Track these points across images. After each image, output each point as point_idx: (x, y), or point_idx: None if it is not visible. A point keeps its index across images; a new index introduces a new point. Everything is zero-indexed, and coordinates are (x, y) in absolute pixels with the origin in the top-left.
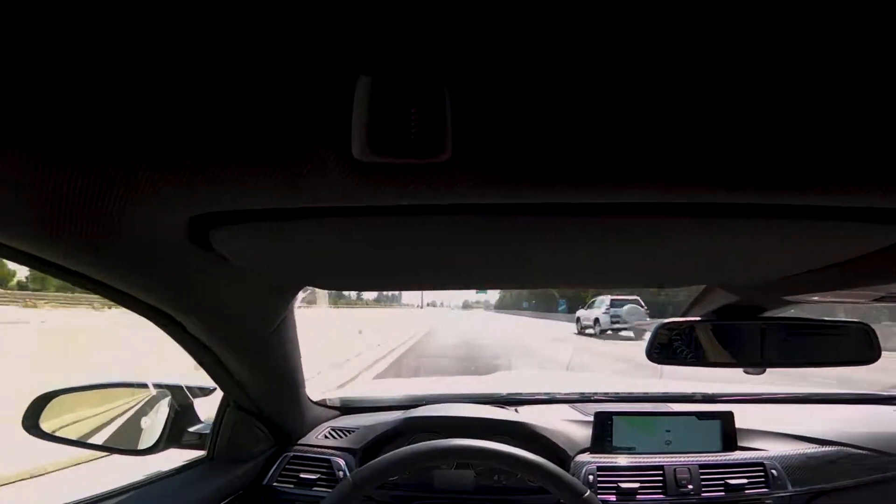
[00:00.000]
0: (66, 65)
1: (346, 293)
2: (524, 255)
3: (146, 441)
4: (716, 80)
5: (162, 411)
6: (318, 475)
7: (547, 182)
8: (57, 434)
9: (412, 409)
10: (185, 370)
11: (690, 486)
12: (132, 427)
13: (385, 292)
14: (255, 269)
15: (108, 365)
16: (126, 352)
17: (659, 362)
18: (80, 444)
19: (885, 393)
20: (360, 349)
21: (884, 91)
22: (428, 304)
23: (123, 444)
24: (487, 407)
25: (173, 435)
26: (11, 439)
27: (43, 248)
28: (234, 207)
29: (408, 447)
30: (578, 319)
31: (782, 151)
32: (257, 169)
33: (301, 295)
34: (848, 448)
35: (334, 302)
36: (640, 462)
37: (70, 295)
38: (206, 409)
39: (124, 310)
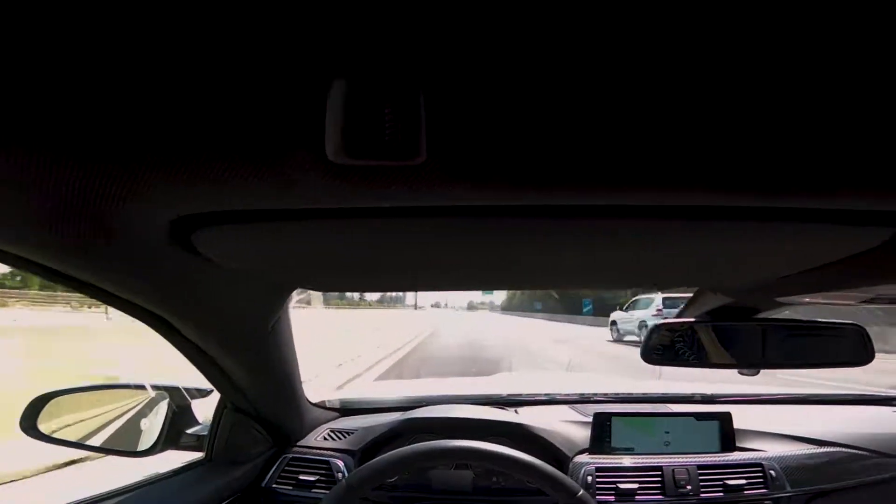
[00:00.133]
0: (42, 64)
1: (347, 294)
2: (511, 257)
3: (144, 443)
4: (705, 83)
5: (160, 413)
6: (317, 477)
7: (526, 185)
8: (55, 435)
9: (411, 411)
10: (155, 374)
11: (689, 487)
12: (130, 428)
13: (388, 293)
14: (240, 269)
15: (73, 368)
16: (96, 354)
17: (655, 363)
18: (77, 445)
19: (883, 394)
20: (359, 351)
21: (873, 95)
22: (432, 305)
23: (121, 445)
24: (487, 408)
25: (171, 436)
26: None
27: (27, 250)
28: (212, 209)
29: (403, 448)
30: (614, 323)
31: (773, 155)
32: (232, 170)
33: (296, 296)
34: (846, 449)
35: (336, 303)
36: (638, 463)
37: (48, 294)
38: (205, 410)
39: (101, 310)
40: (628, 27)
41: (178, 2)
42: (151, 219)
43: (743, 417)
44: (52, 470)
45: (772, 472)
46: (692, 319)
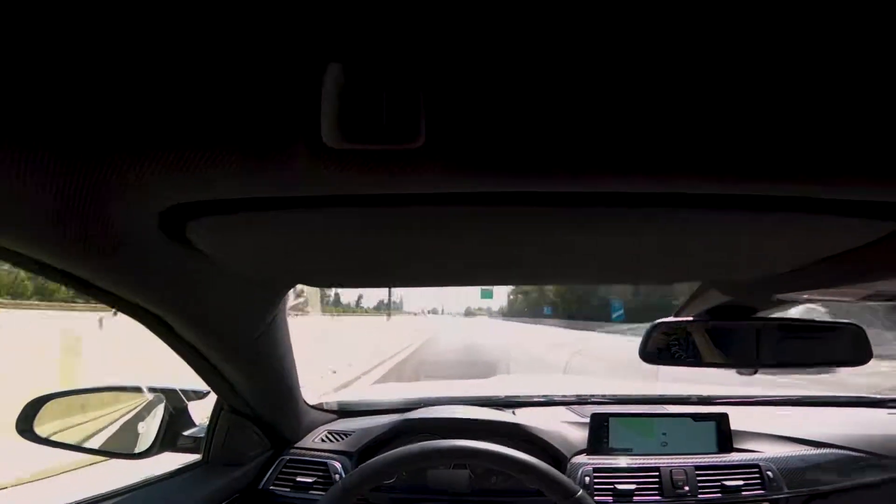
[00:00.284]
0: (19, 55)
1: (343, 300)
2: (511, 248)
3: (141, 445)
4: (706, 69)
5: (156, 415)
6: (315, 478)
7: (528, 170)
8: (51, 438)
9: (409, 412)
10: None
11: (687, 488)
12: (127, 431)
13: (384, 301)
14: (235, 263)
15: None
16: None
17: (653, 363)
18: (74, 447)
19: (879, 396)
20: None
21: (876, 85)
22: (429, 312)
23: (118, 447)
24: (484, 409)
25: (168, 438)
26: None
27: (21, 245)
28: (205, 198)
29: (400, 448)
30: None
31: (774, 142)
32: (225, 156)
33: (292, 300)
34: (843, 450)
35: (330, 310)
36: (636, 463)
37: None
38: (201, 412)
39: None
40: (631, 9)
41: None
42: (143, 209)
43: (740, 418)
44: (50, 476)
45: (769, 473)
46: (691, 319)
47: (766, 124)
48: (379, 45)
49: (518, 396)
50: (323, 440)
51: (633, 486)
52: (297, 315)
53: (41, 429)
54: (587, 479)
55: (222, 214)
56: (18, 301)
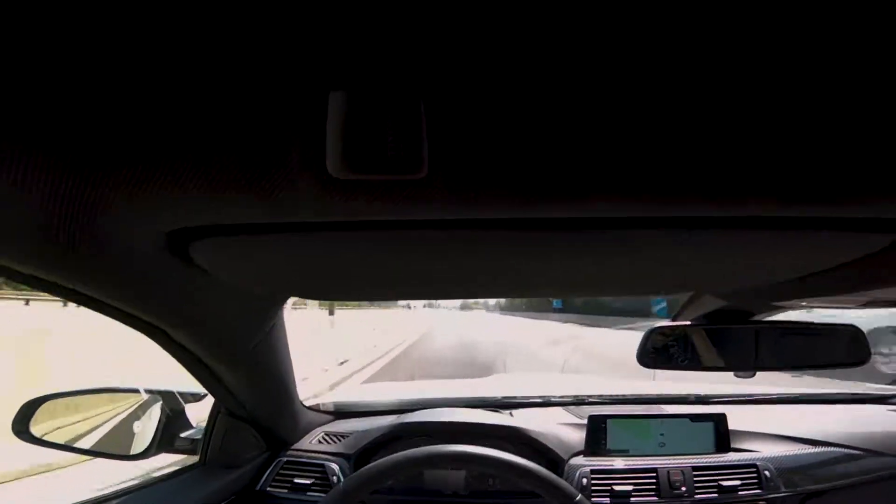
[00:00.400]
0: (41, 75)
1: None
2: (511, 268)
3: (138, 446)
4: (700, 96)
5: (153, 416)
6: (312, 480)
7: (529, 198)
8: (47, 439)
9: (406, 414)
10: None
11: (684, 489)
12: (124, 432)
13: None
14: (237, 281)
15: None
16: None
17: (651, 367)
18: (71, 448)
19: (877, 392)
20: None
21: (867, 106)
22: (425, 305)
23: (115, 449)
24: (481, 411)
25: (165, 440)
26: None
27: (19, 260)
28: (211, 222)
29: (398, 454)
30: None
31: (773, 166)
32: (233, 185)
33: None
34: (841, 448)
35: (324, 304)
36: (633, 465)
37: None
38: (199, 414)
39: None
40: (627, 40)
41: (180, 15)
42: (151, 230)
43: (737, 418)
44: (42, 472)
45: (766, 472)
46: (688, 323)
47: (766, 150)
48: (382, 76)
49: (515, 397)
50: (320, 442)
51: (630, 488)
52: (294, 309)
53: (37, 429)
54: (584, 480)
55: (226, 236)
56: None
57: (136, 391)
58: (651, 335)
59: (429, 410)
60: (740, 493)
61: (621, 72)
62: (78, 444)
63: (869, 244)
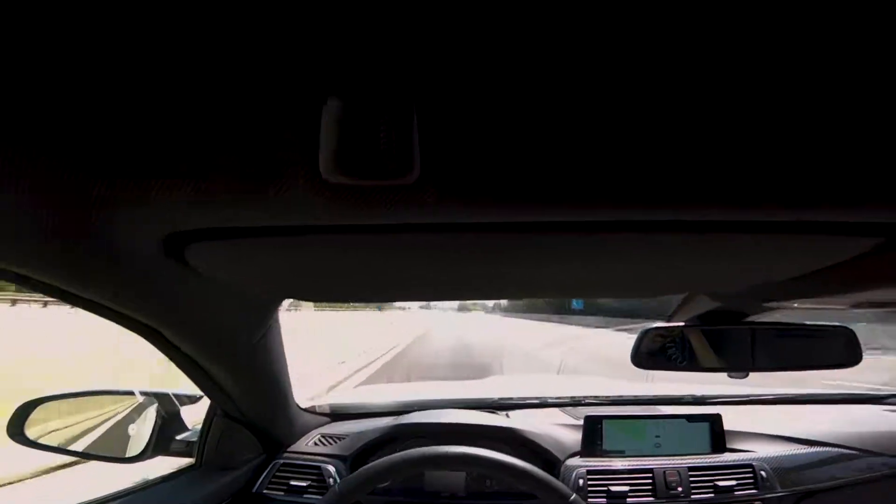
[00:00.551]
0: (40, 79)
1: None
2: (505, 271)
3: (133, 449)
4: (695, 103)
5: (149, 419)
6: (309, 482)
7: (521, 202)
8: (42, 441)
9: (402, 416)
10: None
11: (680, 489)
12: (119, 434)
13: None
14: (232, 283)
15: None
16: None
17: (645, 368)
18: (66, 451)
19: (872, 392)
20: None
21: (860, 113)
22: (420, 306)
23: (110, 451)
24: (478, 412)
25: (161, 442)
26: None
27: (16, 262)
28: (207, 225)
29: (394, 455)
30: None
31: (765, 171)
32: (227, 189)
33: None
34: (836, 448)
35: (320, 305)
36: (629, 465)
37: None
38: (194, 416)
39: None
40: (621, 45)
41: (175, 20)
42: (148, 234)
43: (733, 418)
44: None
45: (762, 472)
46: (682, 324)
47: (755, 156)
48: (375, 81)
49: (512, 398)
50: (316, 444)
51: (626, 488)
52: (289, 310)
53: (32, 432)
54: (581, 481)
55: (221, 239)
56: None
57: (132, 393)
58: (645, 336)
59: (425, 412)
60: (736, 493)
61: (610, 77)
62: (73, 447)
63: (859, 247)
